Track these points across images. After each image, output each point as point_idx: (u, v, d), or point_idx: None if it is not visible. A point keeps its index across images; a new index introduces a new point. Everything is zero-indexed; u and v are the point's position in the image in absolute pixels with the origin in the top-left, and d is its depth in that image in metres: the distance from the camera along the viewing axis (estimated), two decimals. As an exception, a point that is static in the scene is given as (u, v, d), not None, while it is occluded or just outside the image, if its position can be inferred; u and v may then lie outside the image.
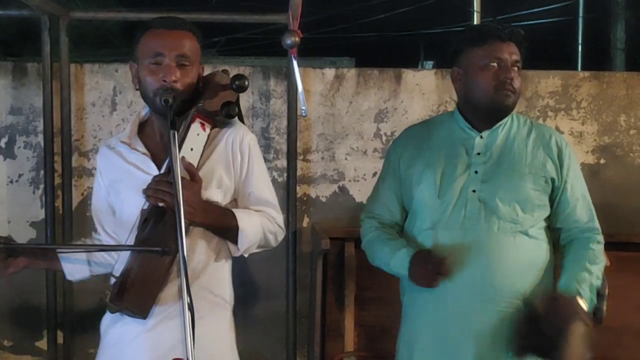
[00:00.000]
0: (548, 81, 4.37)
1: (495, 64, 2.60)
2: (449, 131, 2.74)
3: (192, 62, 2.38)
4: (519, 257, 2.58)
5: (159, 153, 2.41)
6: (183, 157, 2.29)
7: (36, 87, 4.16)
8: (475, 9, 8.66)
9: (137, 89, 2.43)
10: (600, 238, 2.68)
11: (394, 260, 2.67)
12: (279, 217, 2.54)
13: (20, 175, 4.22)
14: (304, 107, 3.66)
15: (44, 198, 4.13)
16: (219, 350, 2.45)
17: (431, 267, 2.55)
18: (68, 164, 4.10)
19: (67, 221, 4.11)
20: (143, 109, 2.54)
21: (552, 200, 2.66)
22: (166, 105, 2.21)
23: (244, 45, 12.28)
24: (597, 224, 2.69)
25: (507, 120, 2.69)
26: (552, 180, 2.63)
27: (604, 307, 3.75)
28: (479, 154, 2.65)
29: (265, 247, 2.53)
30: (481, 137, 2.67)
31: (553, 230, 2.70)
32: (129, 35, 11.05)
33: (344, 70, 4.37)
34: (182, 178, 2.21)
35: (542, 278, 2.62)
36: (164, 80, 2.31)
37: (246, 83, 2.43)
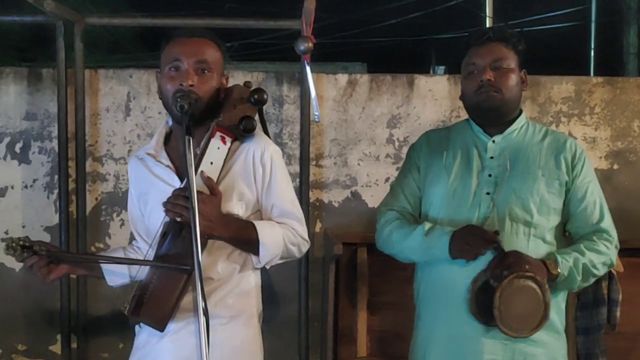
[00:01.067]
0: (561, 87, 4.36)
1: (473, 69, 2.68)
2: (464, 136, 2.79)
3: (212, 70, 2.39)
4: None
5: (183, 165, 2.41)
6: (202, 172, 2.31)
7: (51, 93, 4.18)
8: (487, 14, 8.64)
9: (160, 98, 2.45)
10: (611, 238, 2.67)
11: (431, 239, 2.64)
12: (303, 230, 2.53)
13: (34, 180, 4.24)
14: (317, 113, 3.67)
15: (58, 203, 4.16)
16: (242, 355, 2.46)
17: (479, 236, 2.54)
18: (82, 169, 4.12)
19: (81, 226, 4.13)
20: (169, 118, 2.56)
21: (565, 204, 2.67)
22: (182, 111, 2.22)
23: (256, 50, 12.31)
24: (608, 227, 2.67)
25: (520, 125, 2.73)
26: (566, 183, 2.65)
27: (618, 313, 3.74)
28: (492, 157, 2.69)
29: (288, 259, 2.54)
30: (493, 141, 2.71)
31: (567, 238, 2.72)
32: (143, 40, 11.13)
33: (357, 75, 4.38)
34: (201, 192, 2.24)
35: None
36: (181, 84, 2.32)
37: (265, 97, 2.44)
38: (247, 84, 2.49)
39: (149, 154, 2.47)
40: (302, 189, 4.14)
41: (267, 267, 2.48)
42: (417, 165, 2.86)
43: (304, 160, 4.14)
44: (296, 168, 4.24)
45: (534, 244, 2.59)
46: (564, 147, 2.69)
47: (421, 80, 4.35)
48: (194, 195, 2.12)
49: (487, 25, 8.46)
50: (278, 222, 2.47)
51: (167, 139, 2.53)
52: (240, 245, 2.42)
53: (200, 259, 2.10)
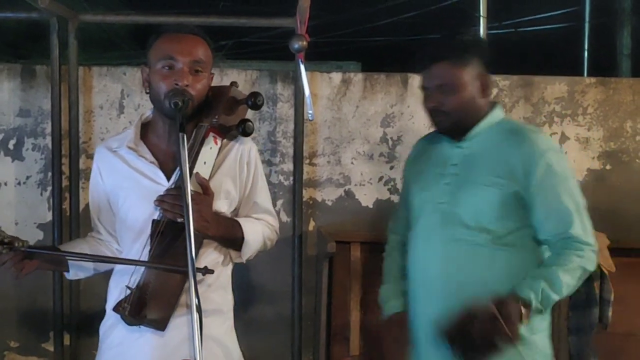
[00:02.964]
0: (554, 87, 4.37)
1: (426, 93, 2.64)
2: (439, 143, 2.73)
3: (204, 69, 2.39)
4: (481, 268, 2.53)
5: (167, 161, 2.41)
6: (197, 173, 2.33)
7: (44, 90, 4.18)
8: (481, 14, 8.64)
9: (147, 93, 2.43)
10: (583, 246, 2.48)
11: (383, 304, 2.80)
12: (276, 224, 2.65)
13: (28, 177, 4.23)
14: (310, 111, 3.67)
15: (51, 200, 4.15)
16: (224, 350, 2.47)
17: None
18: (75, 166, 4.11)
19: (74, 223, 4.12)
20: (146, 113, 2.56)
21: (526, 210, 2.54)
22: (176, 107, 2.22)
23: (250, 49, 12.28)
24: (579, 233, 2.49)
25: (484, 128, 2.62)
26: (522, 188, 2.50)
27: (609, 313, 3.74)
28: (454, 164, 2.63)
29: (261, 251, 2.60)
30: (459, 147, 2.64)
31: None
32: (136, 38, 11.10)
33: (351, 74, 4.38)
34: (196, 192, 2.27)
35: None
36: (176, 84, 2.31)
37: (262, 101, 2.45)
38: (233, 84, 2.50)
39: (130, 147, 2.43)
40: (296, 187, 4.14)
41: (244, 262, 2.55)
42: (406, 177, 2.89)
43: (298, 159, 4.14)
44: (290, 166, 4.24)
45: (484, 251, 2.52)
46: (521, 150, 2.52)
47: (415, 80, 4.35)
48: (188, 193, 2.12)
49: (481, 26, 8.47)
50: (256, 218, 2.56)
51: (143, 132, 2.49)
52: (226, 243, 2.47)
53: (194, 258, 2.09)
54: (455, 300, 2.48)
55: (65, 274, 2.54)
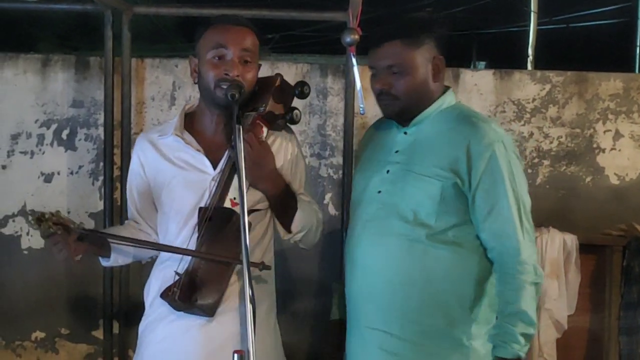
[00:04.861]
0: (609, 83, 4.31)
1: (374, 72, 2.45)
2: (389, 129, 2.55)
3: (253, 59, 2.38)
4: (416, 266, 2.36)
5: (212, 150, 2.40)
6: (258, 122, 2.37)
7: (98, 81, 4.22)
8: (531, 9, 8.54)
9: (195, 83, 2.43)
10: (522, 263, 2.32)
11: None
12: (321, 215, 2.58)
13: (80, 167, 4.29)
14: (362, 105, 3.65)
15: (103, 190, 4.20)
16: (269, 342, 2.46)
17: None
18: (127, 156, 4.15)
19: (124, 212, 4.15)
20: (189, 102, 2.57)
21: (470, 208, 2.37)
22: (233, 99, 2.22)
23: (297, 42, 12.30)
24: (527, 258, 2.33)
25: (431, 113, 2.43)
26: (463, 182, 2.33)
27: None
28: (397, 151, 2.46)
29: (309, 242, 2.52)
30: (405, 133, 2.47)
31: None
32: (184, 31, 11.15)
33: (402, 68, 4.34)
34: (259, 141, 2.31)
35: (459, 289, 2.38)
36: (226, 74, 2.31)
37: (308, 90, 2.44)
38: (279, 75, 2.49)
39: (176, 134, 2.40)
40: (345, 181, 4.13)
41: (292, 241, 2.47)
42: (356, 164, 2.75)
43: (347, 152, 4.12)
44: (339, 160, 4.23)
45: (428, 248, 2.35)
46: (467, 140, 2.33)
47: (467, 75, 4.32)
48: (244, 185, 2.12)
49: (532, 21, 8.38)
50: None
51: (186, 122, 2.47)
52: (279, 209, 2.42)
53: (247, 244, 2.05)
54: (390, 296, 2.38)
55: (103, 260, 2.46)
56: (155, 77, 4.28)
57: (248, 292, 2.04)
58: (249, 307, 2.03)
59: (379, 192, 2.43)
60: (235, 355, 1.98)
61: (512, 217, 2.33)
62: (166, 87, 4.28)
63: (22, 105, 4.26)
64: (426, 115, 2.42)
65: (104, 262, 2.47)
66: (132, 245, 2.41)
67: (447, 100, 2.47)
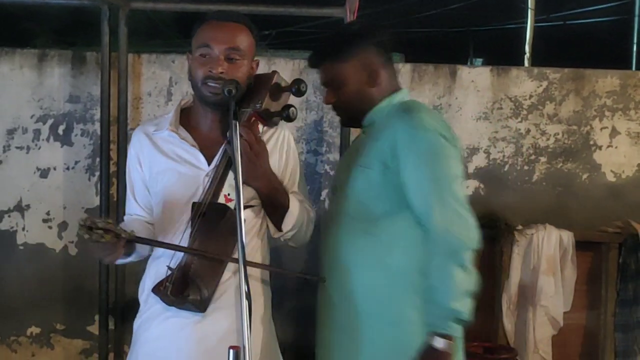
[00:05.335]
0: (606, 80, 4.31)
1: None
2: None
3: (243, 56, 2.36)
4: (356, 258, 2.47)
5: (207, 145, 2.39)
6: (253, 118, 2.36)
7: (94, 76, 4.21)
8: (528, 5, 8.54)
9: (189, 79, 2.44)
10: (441, 241, 2.33)
11: None
12: (314, 215, 2.56)
13: (76, 162, 4.28)
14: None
15: (99, 185, 4.19)
16: (265, 338, 2.45)
17: None
18: (123, 152, 4.13)
19: (121, 208, 4.14)
20: (184, 98, 2.56)
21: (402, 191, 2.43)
22: (229, 95, 2.21)
23: (293, 38, 12.29)
24: (436, 223, 2.33)
25: (378, 114, 2.54)
26: (395, 170, 2.40)
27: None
28: (358, 151, 2.61)
29: (299, 240, 2.52)
30: (364, 133, 2.61)
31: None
32: (182, 26, 11.13)
33: (399, 65, 4.35)
34: (251, 143, 2.28)
35: (394, 280, 2.44)
36: (210, 71, 2.31)
37: (305, 88, 2.44)
38: (274, 72, 2.48)
39: (171, 130, 2.40)
40: (342, 178, 4.13)
41: (282, 239, 2.48)
42: None
43: (344, 148, 4.12)
44: (336, 156, 4.23)
45: (366, 238, 2.45)
46: (399, 130, 2.42)
47: (463, 71, 4.32)
48: (240, 181, 2.11)
49: (529, 18, 8.37)
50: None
51: (181, 118, 2.47)
52: (270, 207, 2.41)
53: (244, 242, 2.06)
54: (340, 285, 2.49)
55: (123, 259, 2.41)
56: (152, 73, 4.27)
57: (244, 288, 2.04)
58: (244, 303, 2.03)
59: (337, 189, 2.61)
60: (231, 351, 1.97)
61: (432, 207, 2.34)
62: (163, 83, 4.27)
63: (18, 101, 4.25)
64: (375, 116, 2.54)
65: (121, 260, 2.40)
66: (175, 249, 2.35)
67: (397, 99, 2.56)
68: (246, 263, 2.08)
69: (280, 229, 2.43)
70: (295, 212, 2.42)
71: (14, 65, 4.25)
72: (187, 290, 2.25)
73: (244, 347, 2.00)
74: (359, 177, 2.48)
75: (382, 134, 2.46)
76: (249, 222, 2.38)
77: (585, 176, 4.37)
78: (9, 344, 4.33)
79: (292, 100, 2.46)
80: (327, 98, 2.58)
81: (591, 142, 4.35)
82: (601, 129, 4.32)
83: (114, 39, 4.11)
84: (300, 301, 4.24)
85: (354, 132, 4.19)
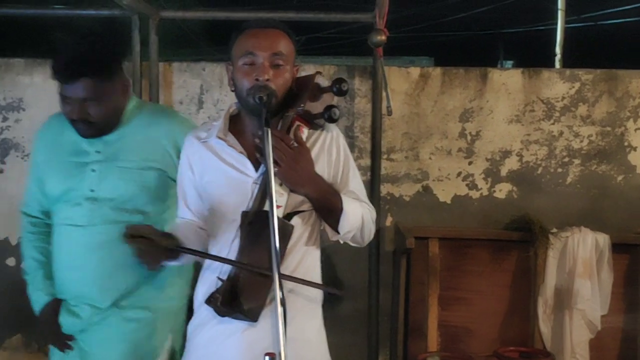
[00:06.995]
0: (639, 81, 4.27)
1: (65, 99, 2.69)
2: (72, 132, 2.76)
3: (286, 62, 2.36)
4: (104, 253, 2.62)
5: (253, 153, 2.36)
6: (298, 125, 2.32)
7: (126, 85, 4.24)
8: (559, 7, 8.47)
9: (232, 91, 2.42)
10: None
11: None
12: (374, 213, 2.50)
13: (109, 171, 4.31)
14: (389, 106, 3.65)
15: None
16: (313, 348, 2.44)
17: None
18: (156, 160, 4.17)
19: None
20: (233, 105, 2.55)
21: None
22: (260, 102, 2.21)
23: (323, 44, 12.33)
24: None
25: (125, 119, 2.71)
26: (174, 169, 2.59)
27: None
28: (99, 152, 2.69)
29: (359, 241, 2.47)
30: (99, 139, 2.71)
31: None
32: (211, 34, 11.21)
33: (429, 69, 4.34)
34: (290, 147, 2.26)
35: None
36: (257, 79, 2.31)
37: (347, 87, 2.41)
38: (319, 73, 2.47)
39: (219, 137, 2.39)
40: (374, 183, 4.13)
41: (341, 241, 2.43)
42: (39, 164, 2.90)
43: (376, 154, 4.12)
44: (367, 162, 4.23)
45: None
46: (170, 131, 2.70)
47: (494, 74, 4.29)
48: (273, 187, 2.11)
49: (559, 19, 8.30)
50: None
51: (231, 125, 2.44)
52: (323, 210, 2.38)
53: (277, 245, 2.06)
54: (109, 282, 2.63)
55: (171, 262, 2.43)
56: (183, 81, 4.29)
57: (278, 294, 2.04)
58: (279, 310, 2.03)
59: (92, 190, 2.65)
60: (267, 357, 1.97)
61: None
62: (194, 91, 4.30)
63: (51, 110, 4.20)
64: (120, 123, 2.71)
65: (169, 264, 2.44)
66: (220, 261, 2.36)
67: (134, 103, 2.74)
68: (280, 275, 2.07)
69: (337, 232, 2.39)
70: (351, 212, 2.36)
71: (46, 75, 4.29)
72: (237, 300, 2.25)
73: (279, 354, 2.00)
74: (135, 178, 2.66)
75: (156, 135, 2.70)
76: (298, 228, 2.35)
77: (620, 178, 4.32)
78: (35, 352, 4.35)
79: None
80: (80, 113, 2.63)
81: (625, 144, 4.31)
82: (635, 129, 4.27)
83: (144, 49, 4.14)
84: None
85: (385, 138, 4.20)
